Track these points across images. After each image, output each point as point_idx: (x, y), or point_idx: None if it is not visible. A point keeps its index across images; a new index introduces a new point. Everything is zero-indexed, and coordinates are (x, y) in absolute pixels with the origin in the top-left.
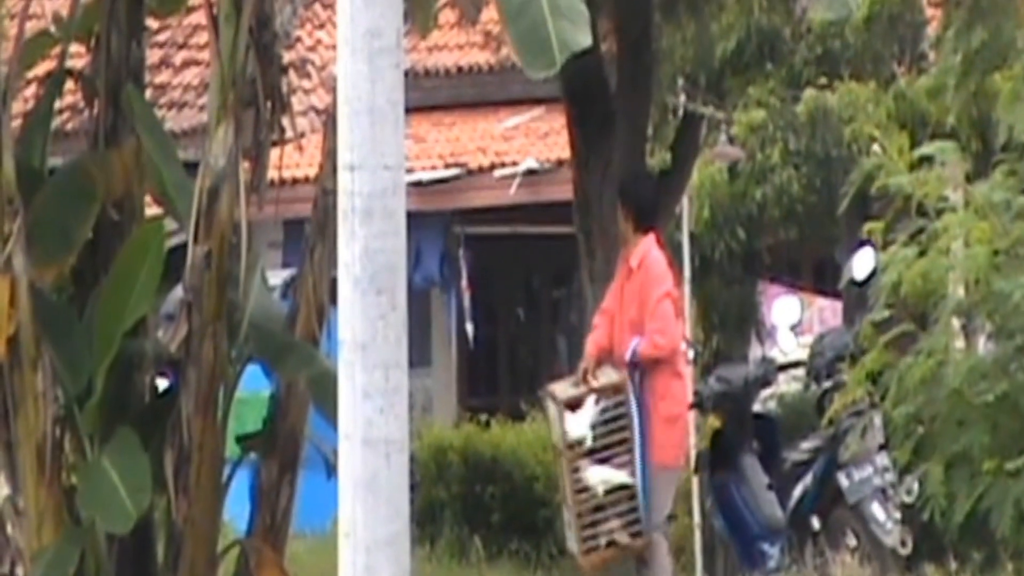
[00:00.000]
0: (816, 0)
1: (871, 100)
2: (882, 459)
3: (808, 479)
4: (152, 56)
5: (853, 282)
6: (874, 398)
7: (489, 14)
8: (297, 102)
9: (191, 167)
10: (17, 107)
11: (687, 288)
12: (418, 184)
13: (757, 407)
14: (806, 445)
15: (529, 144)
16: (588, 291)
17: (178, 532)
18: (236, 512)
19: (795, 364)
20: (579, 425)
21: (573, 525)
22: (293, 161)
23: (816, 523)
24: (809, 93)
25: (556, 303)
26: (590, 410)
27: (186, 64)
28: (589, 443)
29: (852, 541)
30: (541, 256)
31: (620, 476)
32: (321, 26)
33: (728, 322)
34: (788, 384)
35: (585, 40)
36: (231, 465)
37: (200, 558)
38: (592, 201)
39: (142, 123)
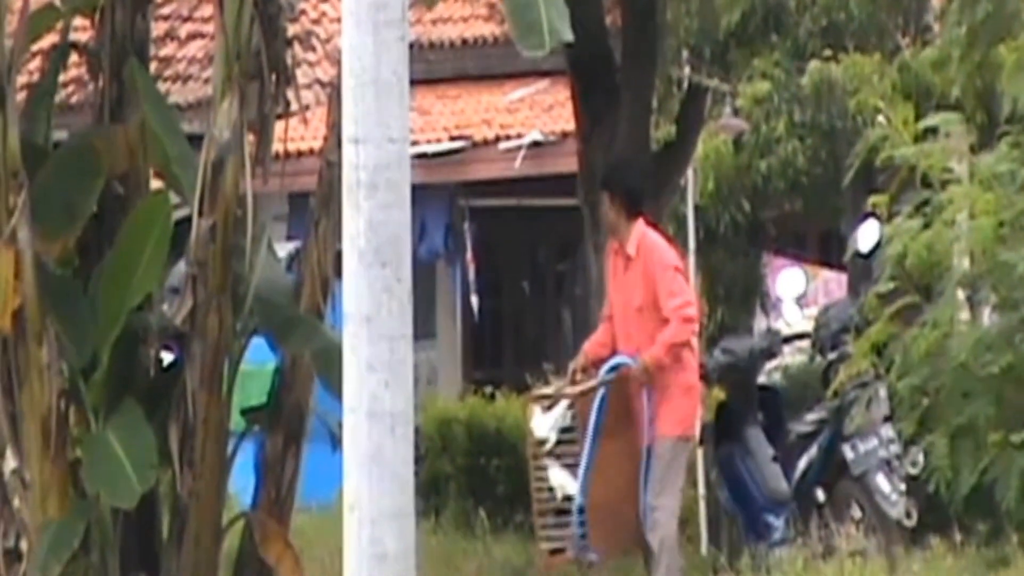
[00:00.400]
0: None
1: (876, 72)
2: (887, 431)
3: (813, 451)
4: (157, 29)
5: (858, 254)
6: (879, 370)
7: None
8: (302, 75)
9: (196, 140)
10: (21, 80)
11: (692, 260)
12: (423, 156)
13: (762, 379)
14: (811, 417)
15: (534, 116)
16: (593, 263)
17: (183, 505)
18: (241, 485)
19: (800, 336)
20: (544, 426)
21: (536, 523)
22: (298, 134)
23: (821, 495)
24: (814, 65)
25: (561, 276)
26: (558, 412)
27: (191, 36)
28: (550, 445)
29: (857, 513)
30: (546, 228)
31: (575, 487)
32: None
33: (733, 294)
34: (793, 356)
35: (567, 35)
36: (236, 438)
37: (205, 531)
38: (597, 173)
39: (146, 96)
